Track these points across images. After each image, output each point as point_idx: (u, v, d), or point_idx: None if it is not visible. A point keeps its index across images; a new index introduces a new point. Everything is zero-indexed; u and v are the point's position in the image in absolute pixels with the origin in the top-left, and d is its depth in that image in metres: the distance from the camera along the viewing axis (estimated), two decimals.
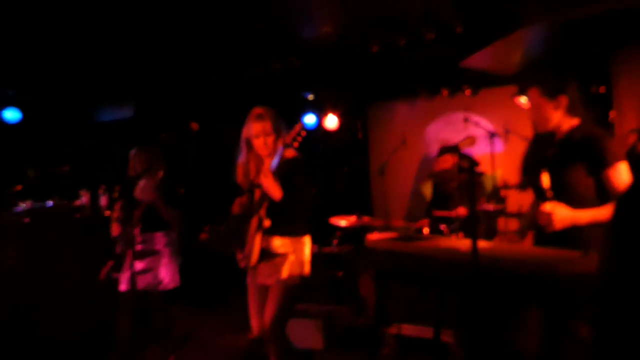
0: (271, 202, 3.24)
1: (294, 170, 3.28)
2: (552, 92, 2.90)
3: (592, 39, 4.88)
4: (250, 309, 3.47)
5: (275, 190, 3.17)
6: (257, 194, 3.35)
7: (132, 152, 4.27)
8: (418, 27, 5.08)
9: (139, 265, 4.10)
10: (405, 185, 7.51)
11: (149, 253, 4.13)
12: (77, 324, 4.89)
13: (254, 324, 3.44)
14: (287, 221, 3.32)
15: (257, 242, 3.29)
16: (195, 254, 6.49)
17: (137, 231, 4.09)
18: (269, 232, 3.31)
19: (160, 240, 4.21)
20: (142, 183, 4.20)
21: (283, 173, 3.20)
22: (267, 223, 3.27)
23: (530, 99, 3.02)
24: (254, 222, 3.31)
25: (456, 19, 4.85)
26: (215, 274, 6.59)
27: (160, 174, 4.22)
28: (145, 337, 4.34)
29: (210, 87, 6.62)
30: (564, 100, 2.89)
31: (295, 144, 3.11)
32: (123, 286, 4.12)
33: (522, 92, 5.53)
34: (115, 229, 4.20)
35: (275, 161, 3.17)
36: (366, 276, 5.23)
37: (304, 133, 3.11)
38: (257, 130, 3.31)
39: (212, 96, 6.85)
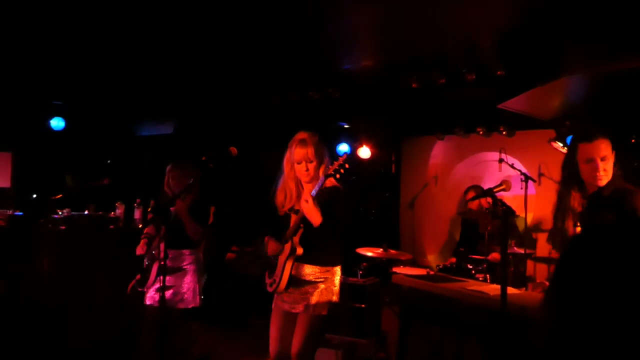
0: (306, 229, 3.26)
1: (334, 199, 3.29)
2: (612, 145, 2.89)
3: (633, 91, 4.85)
4: (271, 332, 3.45)
5: (315, 216, 3.16)
6: (293, 220, 3.37)
7: (169, 167, 4.33)
8: (459, 67, 5.13)
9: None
10: (434, 221, 7.48)
11: (174, 270, 4.15)
12: (102, 333, 4.96)
13: (273, 348, 3.43)
14: (320, 250, 3.32)
15: (287, 268, 3.30)
16: (221, 274, 6.55)
17: (162, 247, 4.10)
18: (301, 260, 3.33)
19: (186, 258, 4.24)
20: (178, 202, 4.26)
21: (323, 201, 3.21)
22: (299, 251, 3.28)
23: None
24: (286, 247, 3.33)
25: (498, 62, 4.89)
26: (238, 295, 6.63)
27: (194, 190, 4.20)
28: (166, 353, 4.38)
29: (250, 111, 6.74)
30: (613, 152, 2.90)
31: (337, 176, 3.13)
32: (147, 300, 4.18)
33: (560, 137, 5.54)
34: (140, 247, 4.21)
35: (316, 188, 3.19)
36: (389, 311, 5.22)
37: (347, 165, 3.14)
38: (299, 156, 3.33)
39: (251, 120, 6.97)
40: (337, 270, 3.42)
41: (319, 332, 3.36)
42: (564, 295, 0.92)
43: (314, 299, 3.28)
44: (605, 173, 2.90)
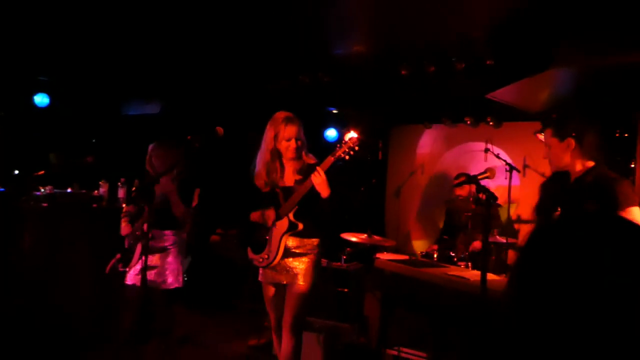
0: (303, 205, 3.35)
1: (337, 175, 3.37)
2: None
3: (621, 86, 4.89)
4: (266, 303, 3.63)
5: (325, 188, 3.25)
6: (283, 196, 3.45)
7: (151, 146, 4.24)
8: (449, 56, 5.12)
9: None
10: (419, 208, 7.52)
11: (158, 250, 4.09)
12: (82, 312, 4.94)
13: (272, 317, 3.63)
14: (311, 223, 3.42)
15: (282, 243, 3.42)
16: (205, 257, 6.54)
17: (146, 227, 4.06)
18: (295, 234, 3.43)
19: (169, 238, 4.20)
20: (162, 180, 4.20)
21: (329, 176, 3.28)
22: (301, 226, 3.38)
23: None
24: (282, 224, 3.42)
25: (488, 52, 4.89)
26: (222, 278, 6.62)
27: (178, 168, 4.11)
28: (147, 333, 4.37)
29: (237, 93, 6.70)
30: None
31: (347, 157, 3.23)
32: (129, 280, 4.14)
33: (543, 130, 5.57)
34: (124, 227, 4.16)
35: (326, 163, 3.27)
36: (371, 296, 5.24)
37: (357, 148, 3.24)
38: (291, 133, 3.39)
39: (238, 101, 6.92)
40: (320, 240, 3.55)
41: (309, 300, 3.49)
42: (524, 284, 0.94)
43: (304, 270, 3.42)
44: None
